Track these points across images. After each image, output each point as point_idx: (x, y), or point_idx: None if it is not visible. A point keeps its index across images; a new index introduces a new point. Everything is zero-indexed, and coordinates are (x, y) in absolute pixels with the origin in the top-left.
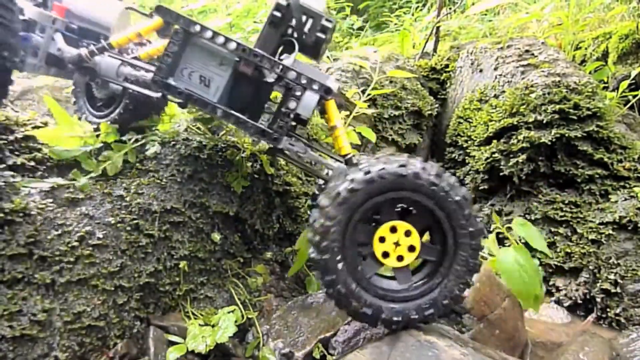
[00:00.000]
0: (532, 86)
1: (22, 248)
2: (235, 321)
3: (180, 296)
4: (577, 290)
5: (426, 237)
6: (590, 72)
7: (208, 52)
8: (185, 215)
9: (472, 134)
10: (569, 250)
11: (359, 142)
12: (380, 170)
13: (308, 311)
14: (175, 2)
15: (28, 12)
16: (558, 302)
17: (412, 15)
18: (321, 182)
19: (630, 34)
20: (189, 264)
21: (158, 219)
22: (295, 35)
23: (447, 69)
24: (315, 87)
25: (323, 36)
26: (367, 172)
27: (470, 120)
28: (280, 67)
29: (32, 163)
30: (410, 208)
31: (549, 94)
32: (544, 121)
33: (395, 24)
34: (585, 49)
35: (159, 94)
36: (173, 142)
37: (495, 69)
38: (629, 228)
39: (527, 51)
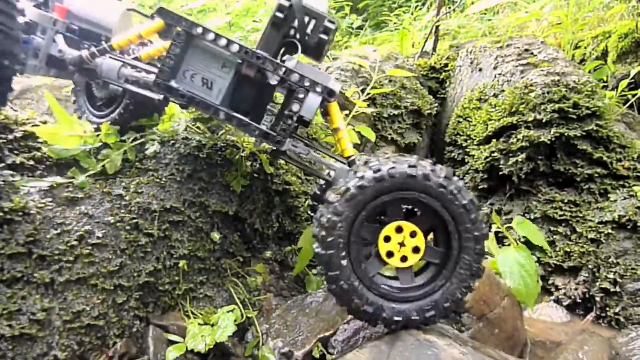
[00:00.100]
0: (531, 85)
1: (22, 247)
2: (235, 320)
3: (180, 295)
4: (576, 289)
5: (429, 237)
6: (589, 71)
7: (210, 54)
8: (185, 215)
9: (471, 133)
10: (568, 249)
11: (359, 142)
12: (390, 169)
13: (307, 310)
14: (174, 1)
15: (29, 13)
16: (557, 301)
17: (412, 14)
18: (322, 181)
19: (630, 32)
20: (189, 263)
21: (157, 218)
22: (298, 36)
23: (446, 68)
24: (319, 89)
25: (326, 37)
26: (377, 170)
27: (470, 120)
28: (284, 69)
29: (32, 162)
30: (415, 209)
31: (548, 93)
32: (544, 120)
33: (395, 23)
34: (585, 48)
35: (160, 96)
36: (172, 141)
37: (495, 68)
38: (628, 227)
39: (526, 50)
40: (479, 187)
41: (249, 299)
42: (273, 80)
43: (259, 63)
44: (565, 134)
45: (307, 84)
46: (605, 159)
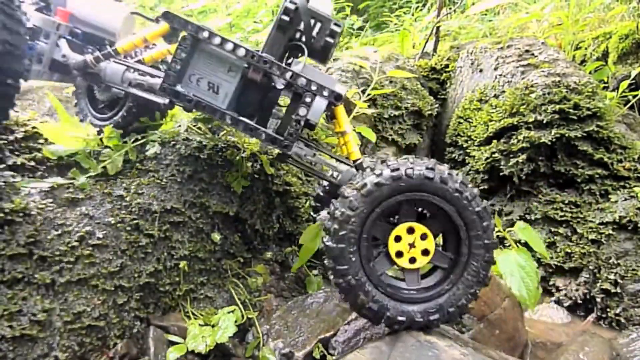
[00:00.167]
0: (532, 86)
1: (22, 248)
2: (235, 321)
3: (180, 296)
4: (577, 290)
5: (438, 239)
6: (590, 72)
7: (217, 59)
8: (185, 215)
9: (472, 134)
10: (569, 250)
11: (359, 142)
12: (408, 170)
13: (308, 311)
14: (175, 2)
15: (32, 18)
16: (558, 302)
17: (412, 15)
18: (325, 183)
19: (630, 33)
20: (189, 264)
21: (158, 219)
22: (304, 39)
23: (447, 69)
24: (326, 93)
25: (332, 40)
26: (396, 169)
27: (470, 120)
28: (290, 73)
29: (32, 163)
30: (425, 212)
31: (549, 94)
32: (544, 121)
33: (395, 24)
34: (585, 49)
35: (166, 100)
36: (173, 142)
37: (495, 69)
38: (629, 228)
39: (527, 51)
40: (480, 187)
41: (250, 299)
42: (279, 84)
43: (266, 67)
44: (566, 134)
45: (314, 88)
46: (605, 160)
